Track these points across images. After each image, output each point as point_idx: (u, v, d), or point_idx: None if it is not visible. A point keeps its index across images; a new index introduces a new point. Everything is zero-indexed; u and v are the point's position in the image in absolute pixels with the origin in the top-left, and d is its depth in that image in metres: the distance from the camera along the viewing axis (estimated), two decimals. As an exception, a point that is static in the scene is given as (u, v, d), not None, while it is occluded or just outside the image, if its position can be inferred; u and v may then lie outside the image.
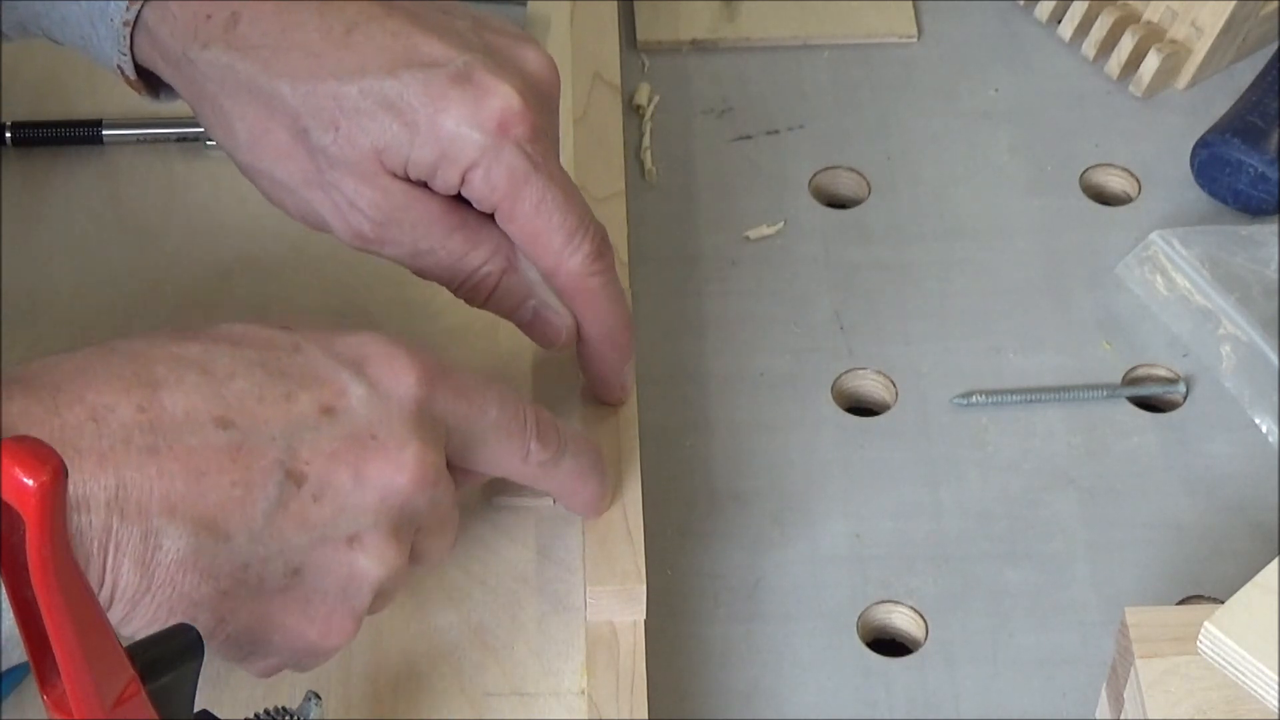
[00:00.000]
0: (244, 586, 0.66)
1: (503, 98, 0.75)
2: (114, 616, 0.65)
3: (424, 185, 0.76)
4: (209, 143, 0.96)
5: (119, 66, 0.79)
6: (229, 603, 0.66)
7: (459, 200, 0.77)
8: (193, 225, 0.94)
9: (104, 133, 0.97)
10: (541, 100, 0.77)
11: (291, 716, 0.71)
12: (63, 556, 0.54)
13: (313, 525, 0.67)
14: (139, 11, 0.77)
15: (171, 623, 0.65)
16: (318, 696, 0.72)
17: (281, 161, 0.77)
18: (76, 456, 0.63)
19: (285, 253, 0.92)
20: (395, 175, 0.76)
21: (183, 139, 0.97)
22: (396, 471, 0.68)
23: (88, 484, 0.63)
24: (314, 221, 0.79)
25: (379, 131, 0.75)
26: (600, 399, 0.83)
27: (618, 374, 0.82)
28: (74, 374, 0.65)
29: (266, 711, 0.71)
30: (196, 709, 0.65)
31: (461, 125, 0.74)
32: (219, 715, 0.67)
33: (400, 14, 0.76)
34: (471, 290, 0.80)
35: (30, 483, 0.52)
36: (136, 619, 0.65)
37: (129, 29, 0.77)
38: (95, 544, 0.63)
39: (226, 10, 0.76)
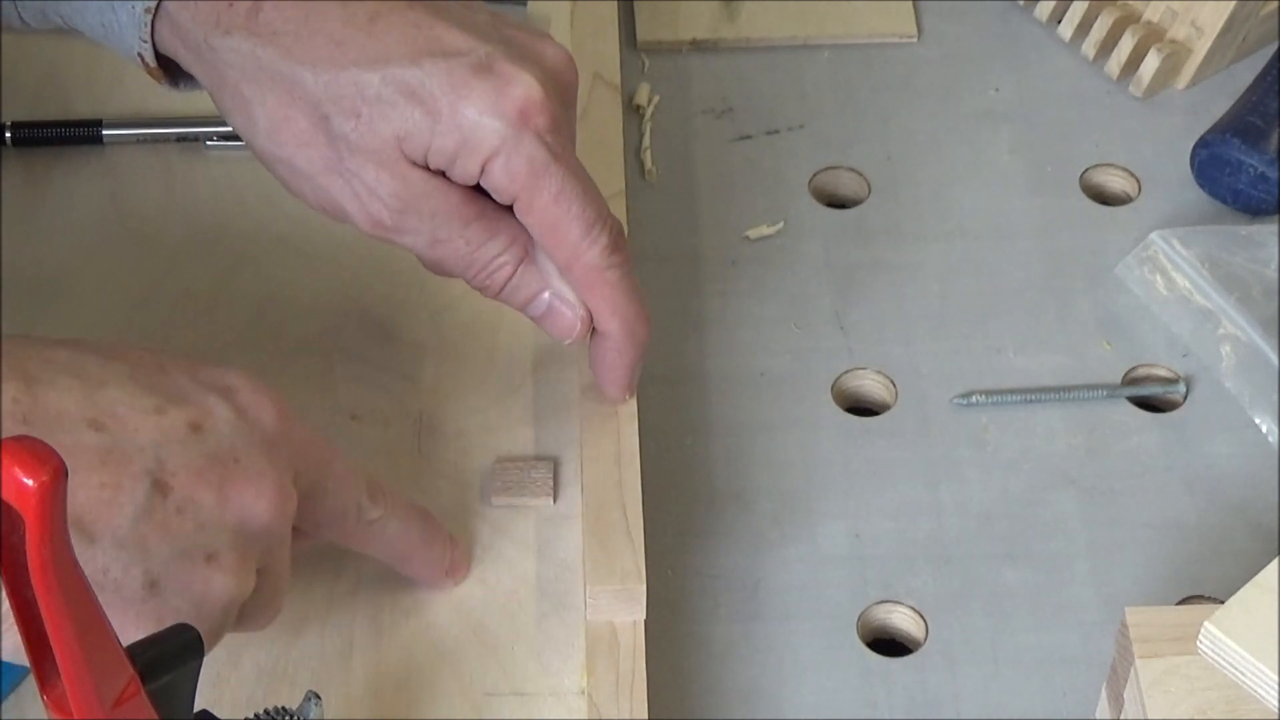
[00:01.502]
0: (102, 592, 0.64)
1: (524, 87, 0.75)
2: None
3: (443, 175, 0.77)
4: (209, 143, 0.96)
5: (139, 54, 0.79)
6: None
7: (478, 191, 0.77)
8: (193, 225, 0.94)
9: (104, 133, 0.96)
10: (560, 93, 0.77)
11: (291, 716, 0.71)
12: (63, 556, 0.54)
13: (175, 537, 0.67)
14: None
15: None
16: (318, 696, 0.72)
17: (301, 149, 0.77)
18: None
19: (285, 253, 0.92)
20: (415, 164, 0.76)
21: (183, 139, 0.97)
22: (257, 497, 0.69)
23: None
24: (333, 210, 0.79)
25: (400, 119, 0.75)
26: (606, 396, 0.83)
27: (629, 369, 0.82)
28: None
29: (266, 711, 0.71)
30: (196, 709, 0.65)
31: (483, 114, 0.75)
32: (219, 715, 0.67)
33: (421, 6, 0.76)
34: (486, 280, 0.80)
35: (30, 483, 0.52)
36: None
37: (150, 15, 0.78)
38: None
39: None
